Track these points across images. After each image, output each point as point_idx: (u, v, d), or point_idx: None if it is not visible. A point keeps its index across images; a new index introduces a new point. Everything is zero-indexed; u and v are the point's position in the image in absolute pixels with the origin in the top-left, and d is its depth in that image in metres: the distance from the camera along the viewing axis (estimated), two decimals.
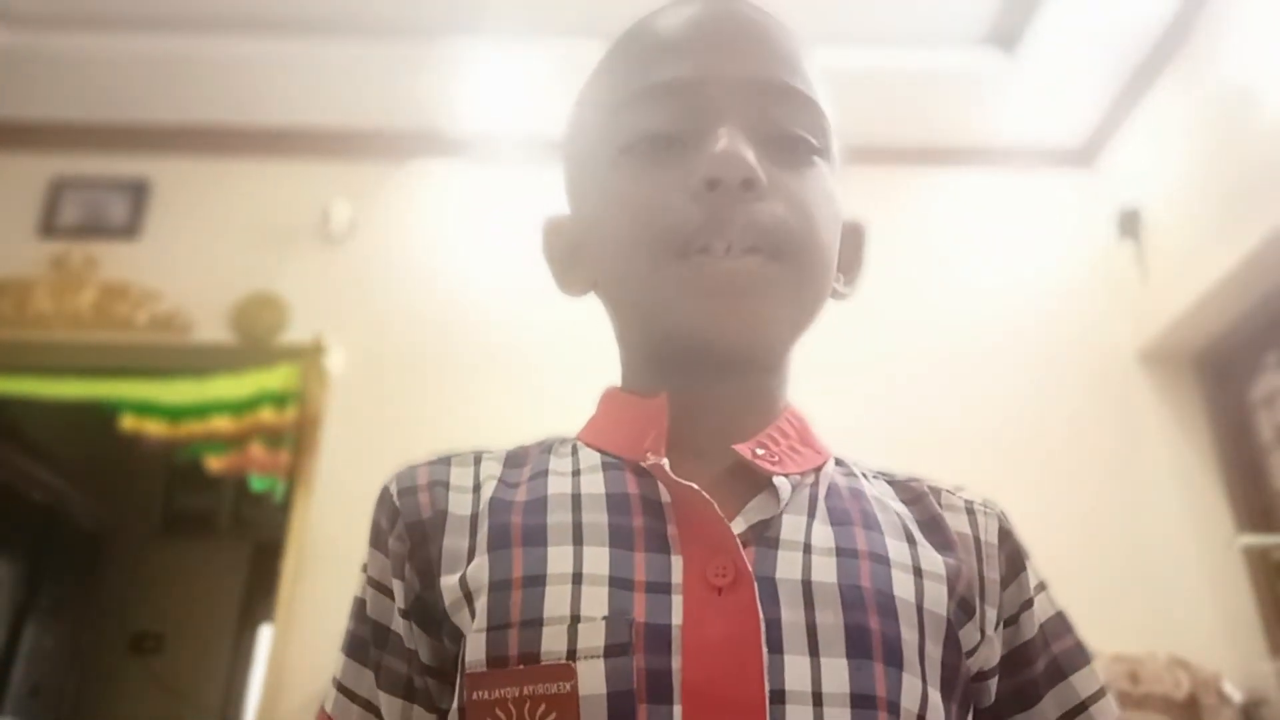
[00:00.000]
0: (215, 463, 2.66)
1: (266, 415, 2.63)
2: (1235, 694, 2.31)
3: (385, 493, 0.55)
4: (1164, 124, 2.78)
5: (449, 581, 0.50)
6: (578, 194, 0.61)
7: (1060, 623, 0.57)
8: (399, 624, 0.52)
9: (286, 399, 2.67)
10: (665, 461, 0.51)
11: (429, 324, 2.85)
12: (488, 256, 2.95)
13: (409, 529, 0.52)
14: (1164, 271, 2.74)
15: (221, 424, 2.63)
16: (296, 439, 2.67)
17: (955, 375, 2.78)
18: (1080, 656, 0.56)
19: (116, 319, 2.83)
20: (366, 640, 0.54)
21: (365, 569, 0.55)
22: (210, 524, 4.84)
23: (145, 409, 2.65)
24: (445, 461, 0.56)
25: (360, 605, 0.55)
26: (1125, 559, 2.56)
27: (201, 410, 2.65)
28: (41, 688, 4.25)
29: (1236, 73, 2.44)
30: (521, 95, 2.94)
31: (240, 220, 3.01)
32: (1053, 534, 2.44)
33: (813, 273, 0.54)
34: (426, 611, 0.51)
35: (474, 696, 0.45)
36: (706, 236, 0.51)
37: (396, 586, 0.52)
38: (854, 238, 0.61)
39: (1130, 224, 2.84)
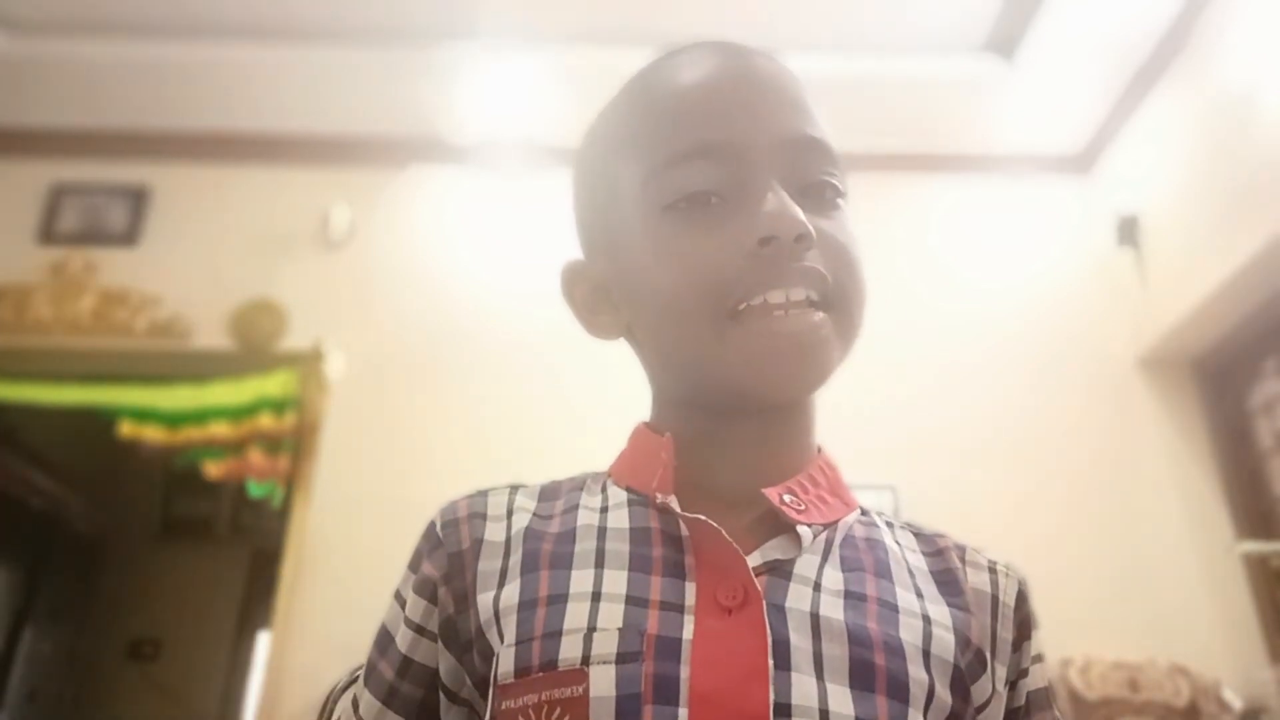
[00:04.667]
0: (214, 468, 2.66)
1: (265, 421, 2.63)
2: (1235, 701, 2.31)
3: (431, 525, 0.59)
4: (1162, 130, 2.78)
5: (484, 599, 0.54)
6: (607, 244, 0.62)
7: (1046, 696, 0.58)
8: (404, 635, 0.56)
9: (285, 405, 2.67)
10: (673, 499, 0.54)
11: (428, 329, 2.85)
12: (487, 262, 2.95)
13: (449, 558, 0.56)
14: (1163, 278, 2.74)
15: (220, 430, 2.63)
16: (295, 445, 2.67)
17: (954, 381, 2.78)
18: None
19: (116, 325, 2.83)
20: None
21: (398, 594, 0.59)
22: (209, 530, 4.84)
23: (144, 415, 2.65)
24: (483, 494, 0.60)
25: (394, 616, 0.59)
26: (1125, 565, 2.56)
27: (200, 416, 2.65)
28: (39, 693, 4.24)
29: (1235, 78, 2.44)
30: (520, 101, 2.95)
31: (240, 226, 3.01)
32: (1052, 540, 2.44)
33: (857, 317, 0.58)
34: (455, 632, 0.55)
35: (503, 707, 0.49)
36: (764, 290, 0.53)
37: (419, 604, 0.56)
38: None
39: (1129, 230, 2.84)
